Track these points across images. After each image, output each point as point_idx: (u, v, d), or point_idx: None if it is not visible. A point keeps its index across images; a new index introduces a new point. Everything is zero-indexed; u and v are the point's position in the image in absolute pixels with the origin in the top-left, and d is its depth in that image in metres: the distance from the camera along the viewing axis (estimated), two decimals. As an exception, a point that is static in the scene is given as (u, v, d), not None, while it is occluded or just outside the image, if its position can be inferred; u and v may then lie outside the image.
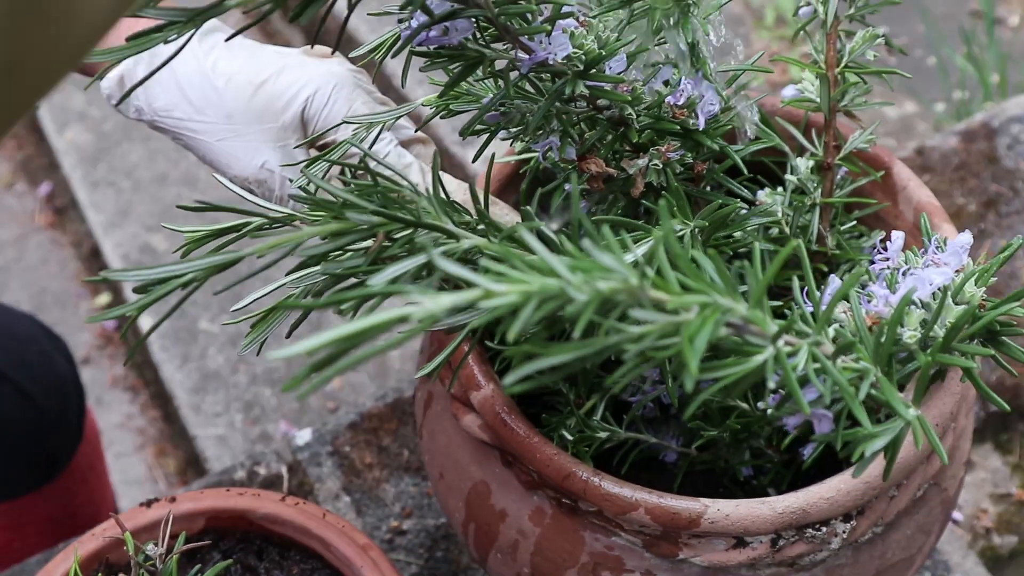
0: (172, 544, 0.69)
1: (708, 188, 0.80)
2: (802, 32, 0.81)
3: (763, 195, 0.85)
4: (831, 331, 0.53)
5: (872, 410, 0.83)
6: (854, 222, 0.83)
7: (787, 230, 0.83)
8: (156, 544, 0.68)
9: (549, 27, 0.58)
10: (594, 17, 0.66)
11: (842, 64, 0.79)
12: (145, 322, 1.86)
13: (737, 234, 0.86)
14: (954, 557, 1.17)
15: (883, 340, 0.52)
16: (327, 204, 0.58)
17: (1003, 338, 0.60)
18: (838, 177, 0.85)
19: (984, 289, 0.60)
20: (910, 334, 0.55)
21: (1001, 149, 1.43)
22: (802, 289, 0.53)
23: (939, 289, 0.58)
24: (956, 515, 1.21)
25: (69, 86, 2.18)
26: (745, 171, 0.73)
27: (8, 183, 2.34)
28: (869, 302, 0.56)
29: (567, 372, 0.49)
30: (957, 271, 0.61)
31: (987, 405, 1.25)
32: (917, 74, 1.87)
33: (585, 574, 0.79)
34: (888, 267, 0.66)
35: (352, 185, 0.60)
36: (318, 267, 0.60)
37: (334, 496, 1.18)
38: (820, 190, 0.83)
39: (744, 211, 0.77)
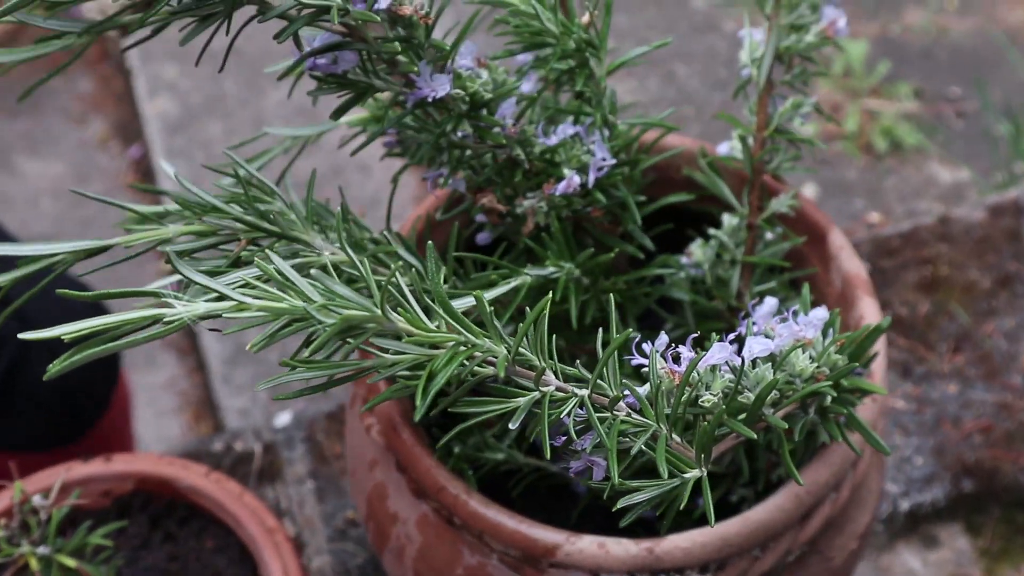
0: (62, 499, 0.74)
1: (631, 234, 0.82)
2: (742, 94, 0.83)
3: (695, 247, 0.87)
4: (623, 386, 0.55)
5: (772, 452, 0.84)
6: (774, 283, 0.85)
7: (709, 282, 0.85)
8: (45, 497, 0.74)
9: (416, 66, 0.61)
10: (495, 59, 0.69)
11: (770, 128, 0.81)
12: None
13: (667, 282, 0.89)
14: (893, 631, 1.16)
15: (672, 400, 0.54)
16: (196, 205, 0.62)
17: (830, 414, 0.61)
18: (769, 237, 0.86)
19: (816, 365, 0.61)
20: (707, 397, 0.56)
21: (1028, 228, 1.41)
22: (603, 342, 0.55)
23: (762, 358, 0.60)
24: (909, 590, 1.20)
25: (163, 56, 2.29)
26: (639, 221, 0.75)
27: (103, 140, 2.47)
28: (676, 363, 0.58)
29: (327, 388, 0.52)
30: (796, 342, 0.62)
31: (960, 484, 1.24)
32: (983, 142, 1.84)
33: (460, 587, 0.83)
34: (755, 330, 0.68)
35: (226, 191, 0.64)
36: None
37: (299, 480, 1.23)
38: (742, 248, 0.84)
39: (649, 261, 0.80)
